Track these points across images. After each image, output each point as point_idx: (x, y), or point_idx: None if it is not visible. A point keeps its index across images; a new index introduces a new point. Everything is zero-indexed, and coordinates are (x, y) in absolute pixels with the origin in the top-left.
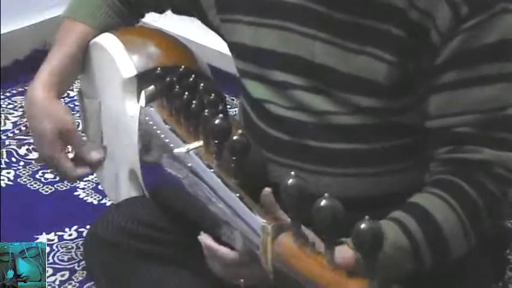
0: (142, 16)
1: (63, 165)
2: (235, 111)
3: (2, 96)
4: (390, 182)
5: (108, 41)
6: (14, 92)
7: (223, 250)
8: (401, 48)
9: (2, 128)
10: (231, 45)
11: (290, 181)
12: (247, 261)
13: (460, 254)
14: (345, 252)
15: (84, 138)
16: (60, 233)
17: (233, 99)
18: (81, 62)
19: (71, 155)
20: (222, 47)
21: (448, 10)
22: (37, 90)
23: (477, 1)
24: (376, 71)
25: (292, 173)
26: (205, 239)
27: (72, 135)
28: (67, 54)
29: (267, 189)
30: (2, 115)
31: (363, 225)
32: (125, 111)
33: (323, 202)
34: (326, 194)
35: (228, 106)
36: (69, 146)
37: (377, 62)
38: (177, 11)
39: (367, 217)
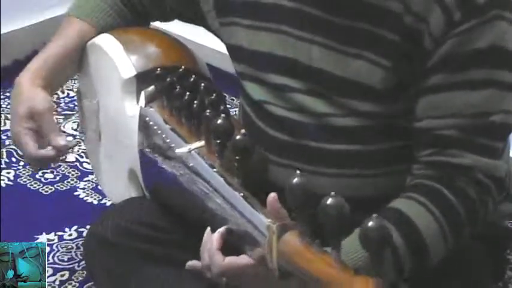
0: (148, 24)
1: (25, 143)
2: (235, 111)
3: (2, 96)
4: (388, 183)
5: (107, 42)
6: None
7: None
8: (396, 53)
9: (2, 128)
10: (230, 48)
11: (295, 180)
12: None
13: (439, 259)
14: None
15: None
16: (60, 233)
17: (233, 99)
18: (77, 58)
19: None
20: (222, 47)
21: (441, 15)
22: (22, 78)
23: (470, 6)
24: (372, 76)
25: (298, 172)
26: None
27: (42, 119)
28: (61, 49)
29: (272, 196)
30: (2, 115)
31: (370, 224)
32: (125, 112)
33: (329, 200)
34: (332, 193)
35: (228, 106)
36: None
37: (373, 66)
38: (182, 18)
39: (374, 215)
